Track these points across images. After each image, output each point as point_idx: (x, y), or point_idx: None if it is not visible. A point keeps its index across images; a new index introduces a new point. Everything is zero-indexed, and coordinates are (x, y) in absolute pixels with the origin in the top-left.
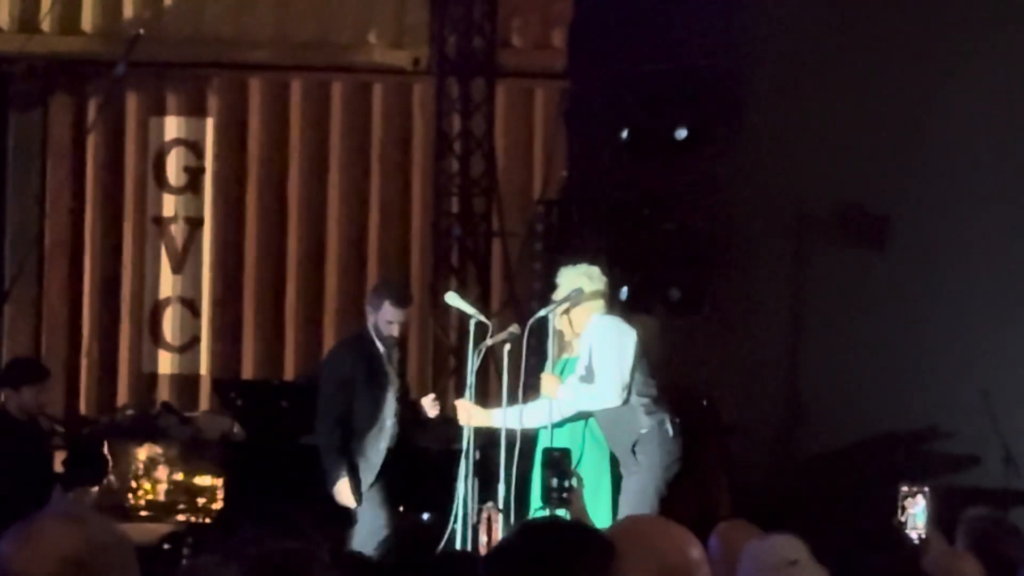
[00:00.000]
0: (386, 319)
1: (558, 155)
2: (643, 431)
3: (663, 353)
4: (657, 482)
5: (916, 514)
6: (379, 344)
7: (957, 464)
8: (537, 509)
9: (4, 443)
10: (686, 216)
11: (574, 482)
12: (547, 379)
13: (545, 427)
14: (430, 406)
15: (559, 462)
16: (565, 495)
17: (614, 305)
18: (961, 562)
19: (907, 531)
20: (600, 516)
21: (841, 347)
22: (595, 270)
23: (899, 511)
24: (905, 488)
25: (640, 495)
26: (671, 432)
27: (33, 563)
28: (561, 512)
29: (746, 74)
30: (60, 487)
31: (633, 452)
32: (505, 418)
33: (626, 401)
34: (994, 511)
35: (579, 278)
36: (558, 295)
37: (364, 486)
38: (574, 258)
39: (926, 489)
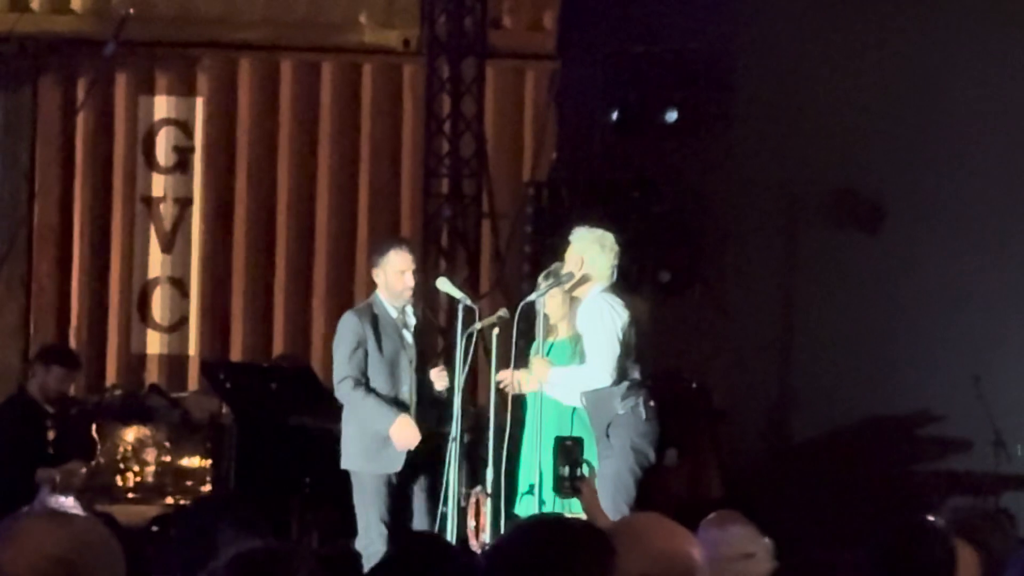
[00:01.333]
0: (397, 270)
1: (548, 137)
2: (617, 414)
3: (653, 335)
4: (631, 465)
5: None
6: (390, 309)
7: (948, 448)
8: (524, 493)
9: (21, 426)
10: (677, 198)
11: (585, 471)
12: (538, 362)
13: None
14: (437, 377)
15: (571, 451)
16: (577, 484)
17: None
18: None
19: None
20: None
21: (832, 331)
22: (609, 238)
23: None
24: None
25: (615, 480)
26: (644, 415)
27: (18, 562)
28: (572, 501)
29: (737, 56)
30: (45, 482)
31: (607, 435)
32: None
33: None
34: (977, 500)
35: (591, 245)
36: (568, 256)
37: (380, 472)
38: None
39: None
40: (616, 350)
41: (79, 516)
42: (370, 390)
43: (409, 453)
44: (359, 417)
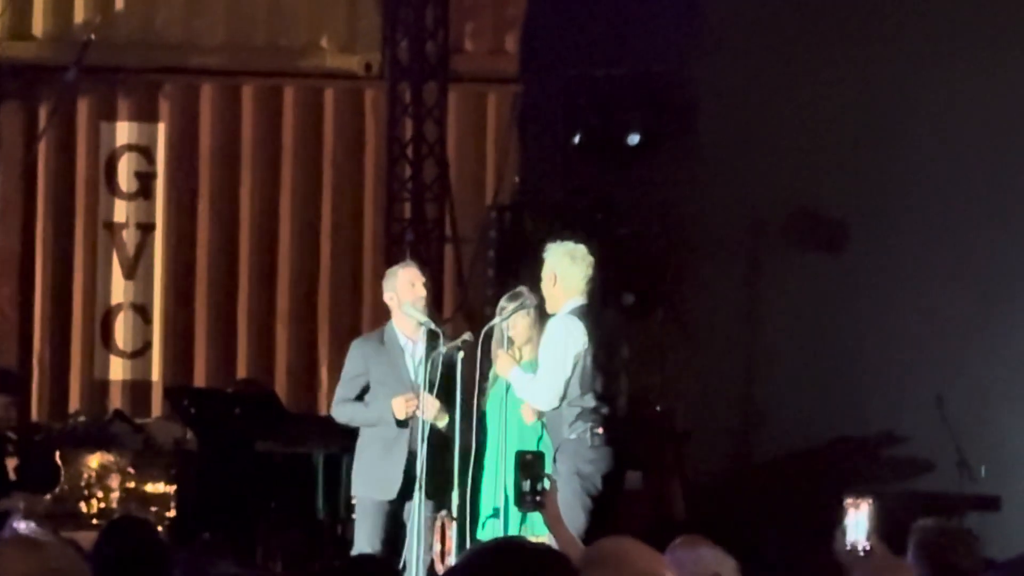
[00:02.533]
0: (407, 282)
1: (511, 160)
2: (566, 439)
3: (618, 357)
4: (576, 490)
5: (860, 525)
6: (401, 337)
7: (912, 468)
8: (488, 517)
9: None
10: (640, 221)
11: (547, 485)
12: (503, 357)
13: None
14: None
15: (532, 465)
16: (539, 498)
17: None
18: (899, 572)
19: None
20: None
21: (796, 352)
22: (581, 250)
23: (842, 524)
24: (849, 500)
25: (560, 503)
26: (590, 442)
27: None
28: (535, 515)
29: (699, 78)
30: (14, 507)
31: (554, 461)
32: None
33: (558, 409)
34: (945, 520)
35: (562, 258)
36: (543, 273)
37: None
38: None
39: (869, 500)
40: (564, 376)
41: (50, 542)
42: (356, 402)
43: (406, 480)
44: (367, 436)
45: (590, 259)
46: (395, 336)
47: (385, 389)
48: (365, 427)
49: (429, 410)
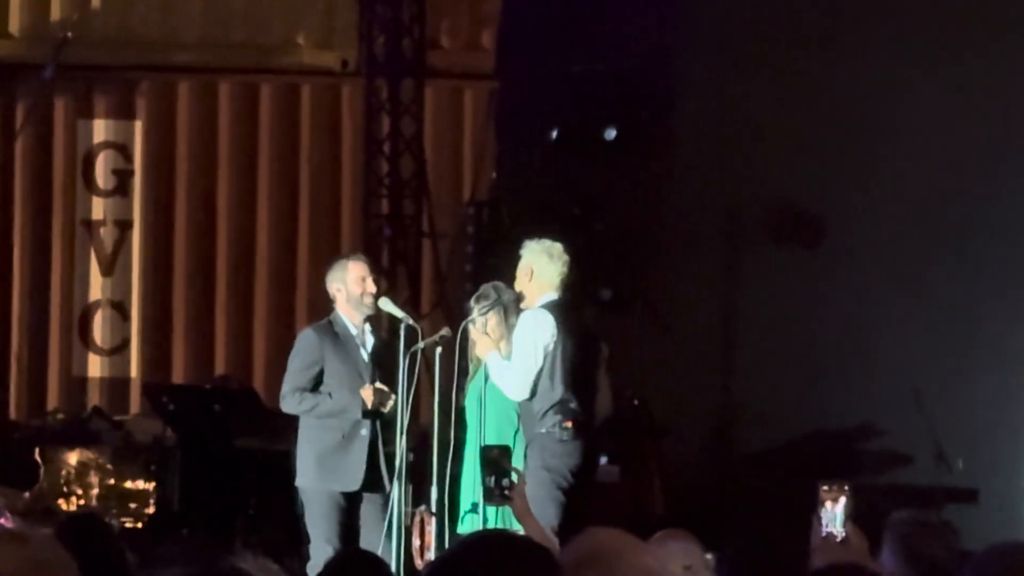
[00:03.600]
0: (357, 277)
1: (488, 156)
2: (536, 433)
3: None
4: (547, 486)
5: (837, 514)
6: (350, 326)
7: (890, 462)
8: (467, 512)
9: None
10: (617, 216)
11: (514, 478)
12: (482, 339)
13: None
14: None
15: (498, 460)
16: (506, 492)
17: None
18: (853, 555)
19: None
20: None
21: (774, 346)
22: (558, 247)
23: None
24: (826, 488)
25: (530, 498)
26: (559, 437)
27: None
28: (502, 509)
29: (677, 74)
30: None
31: (525, 455)
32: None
33: (529, 402)
34: (920, 511)
35: (540, 255)
36: (518, 270)
37: (333, 489)
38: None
39: (847, 487)
40: (534, 367)
41: (36, 535)
42: (317, 394)
43: (370, 473)
44: (318, 427)
45: (566, 257)
46: (346, 326)
47: (338, 379)
48: (319, 418)
49: (388, 401)
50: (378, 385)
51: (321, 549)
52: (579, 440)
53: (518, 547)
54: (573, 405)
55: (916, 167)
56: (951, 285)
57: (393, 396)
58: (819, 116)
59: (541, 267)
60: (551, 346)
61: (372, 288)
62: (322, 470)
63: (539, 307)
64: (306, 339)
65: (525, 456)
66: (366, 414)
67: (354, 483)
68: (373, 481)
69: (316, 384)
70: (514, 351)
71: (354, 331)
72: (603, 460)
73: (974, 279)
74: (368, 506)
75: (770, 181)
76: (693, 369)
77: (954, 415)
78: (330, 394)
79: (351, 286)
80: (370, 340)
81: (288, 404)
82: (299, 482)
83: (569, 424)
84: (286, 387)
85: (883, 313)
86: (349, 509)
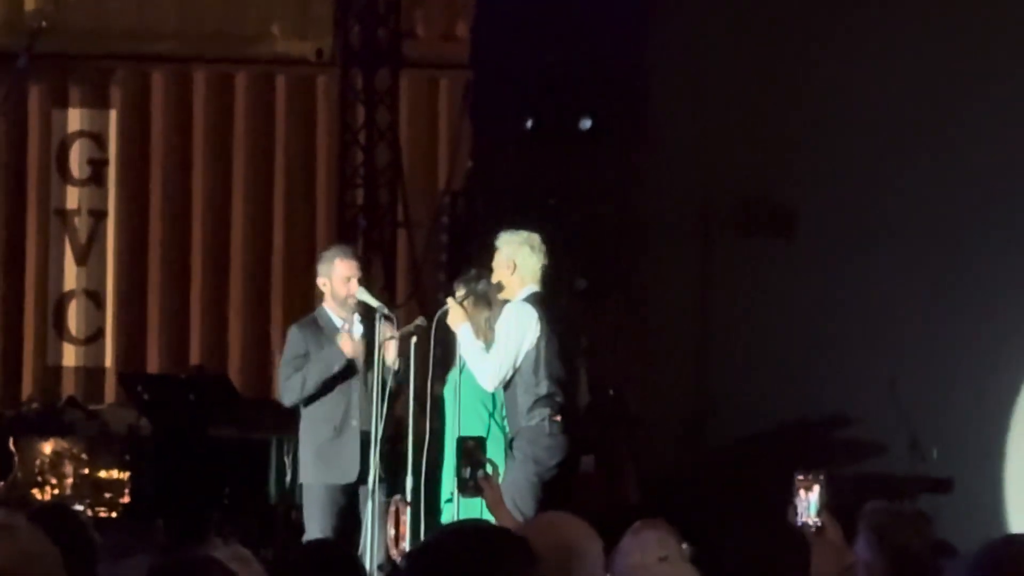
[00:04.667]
0: (342, 276)
1: (463, 146)
2: (522, 426)
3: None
4: (530, 477)
5: (811, 503)
6: (335, 319)
7: (865, 451)
8: (447, 501)
9: None
10: (592, 206)
11: (488, 470)
12: (455, 308)
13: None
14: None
15: (473, 451)
16: (480, 483)
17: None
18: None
19: (801, 519)
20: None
21: (748, 336)
22: (536, 238)
23: (794, 501)
24: (800, 477)
25: (513, 489)
26: (547, 430)
27: None
28: (476, 500)
29: (651, 64)
30: None
31: (511, 447)
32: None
33: (514, 395)
34: (896, 502)
35: (520, 247)
36: (497, 262)
37: (331, 483)
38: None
39: (821, 476)
40: (510, 360)
41: (23, 526)
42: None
43: (362, 465)
44: (314, 421)
45: (545, 248)
46: (329, 319)
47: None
48: (311, 408)
49: (389, 354)
50: (354, 331)
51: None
52: (565, 434)
53: (496, 538)
54: (559, 399)
55: (888, 159)
56: (925, 275)
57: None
58: (793, 108)
59: (523, 259)
60: (536, 340)
61: (355, 289)
62: (319, 465)
63: (522, 300)
64: (291, 335)
65: (511, 447)
66: (350, 366)
67: (350, 475)
68: (366, 472)
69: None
70: (496, 342)
71: (339, 323)
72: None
73: (947, 268)
74: (367, 498)
75: (745, 172)
76: (668, 359)
77: (929, 404)
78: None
79: (336, 284)
80: (358, 329)
81: (287, 392)
82: (301, 478)
83: (558, 418)
84: (281, 380)
85: (857, 303)
86: (348, 503)
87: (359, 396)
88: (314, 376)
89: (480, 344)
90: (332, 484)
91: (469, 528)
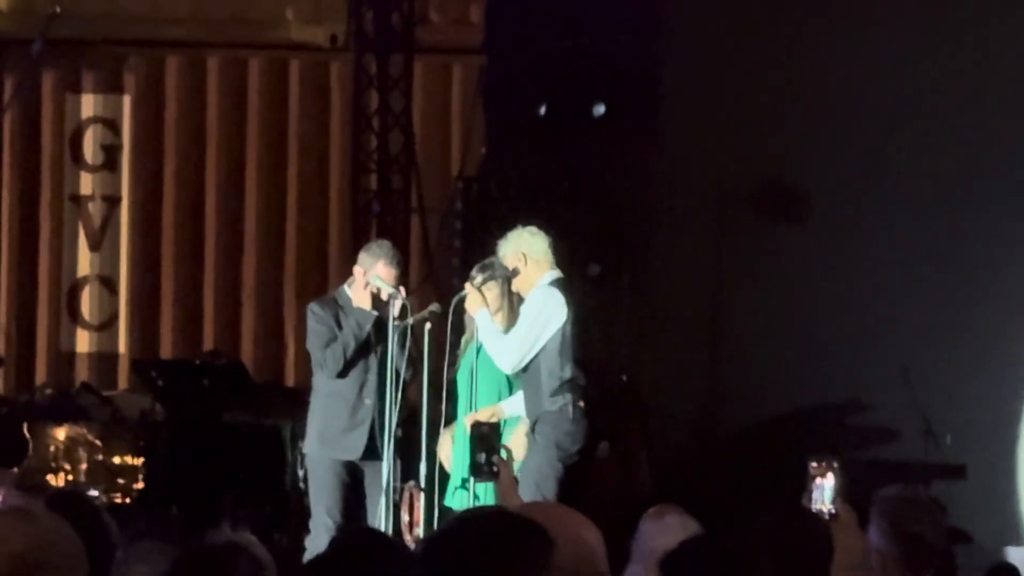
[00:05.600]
0: (388, 281)
1: (476, 131)
2: (545, 410)
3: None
4: (552, 463)
5: (826, 490)
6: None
7: (878, 438)
8: (457, 487)
9: None
10: (605, 191)
11: (503, 455)
12: (473, 293)
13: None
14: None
15: (487, 437)
16: (494, 468)
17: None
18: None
19: (816, 506)
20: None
21: (761, 322)
22: (530, 226)
23: (808, 487)
24: (815, 464)
25: (536, 474)
26: (571, 415)
27: None
28: (489, 486)
29: (664, 49)
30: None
31: (533, 431)
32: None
33: (536, 379)
34: (907, 488)
35: (522, 237)
36: (507, 258)
37: (336, 458)
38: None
39: (835, 464)
40: (530, 343)
41: (43, 513)
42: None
43: (369, 441)
44: (330, 395)
45: (541, 231)
46: (349, 300)
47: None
48: (331, 381)
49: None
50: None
51: (321, 521)
52: (587, 419)
53: (514, 524)
54: (583, 383)
55: (905, 144)
56: (940, 260)
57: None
58: (808, 91)
59: (528, 246)
60: (563, 324)
61: (383, 297)
62: (326, 438)
63: (548, 285)
64: (313, 311)
65: (532, 431)
66: (379, 322)
67: (356, 452)
68: (372, 449)
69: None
70: (519, 323)
71: (356, 302)
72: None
73: (964, 254)
74: (373, 476)
75: (758, 156)
76: (681, 345)
77: (943, 390)
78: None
79: (367, 280)
80: (372, 312)
81: (330, 361)
82: (305, 448)
83: (581, 403)
84: (315, 353)
85: (871, 289)
86: (352, 482)
87: (375, 376)
88: (350, 339)
89: (498, 328)
90: (336, 459)
91: (487, 515)
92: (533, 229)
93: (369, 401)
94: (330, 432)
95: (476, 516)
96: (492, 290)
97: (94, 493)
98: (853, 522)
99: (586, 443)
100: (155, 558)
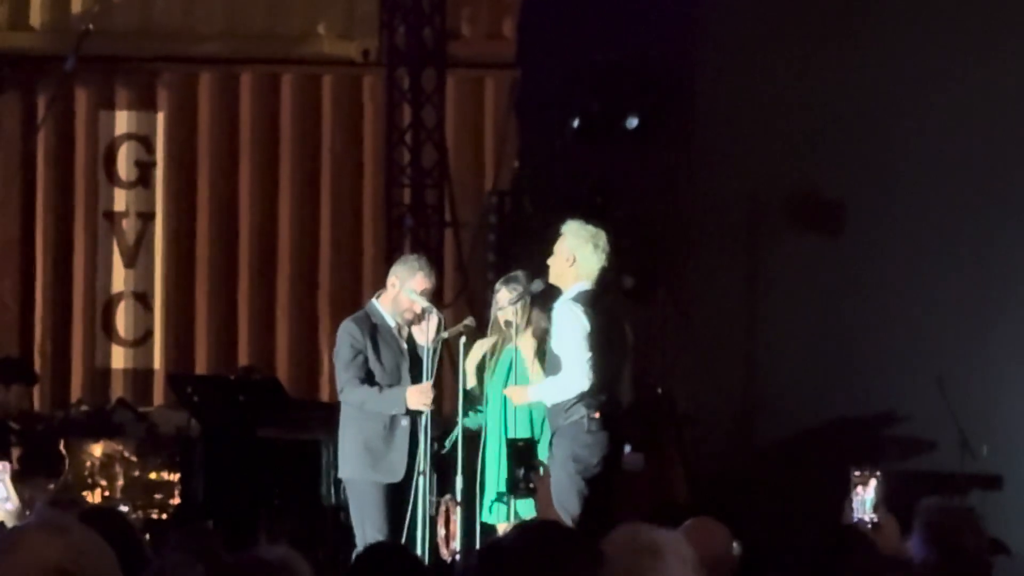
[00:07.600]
0: (416, 289)
1: (509, 145)
2: (561, 425)
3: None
4: (572, 476)
5: (867, 499)
6: (387, 317)
7: (913, 448)
8: (493, 501)
9: None
10: (639, 204)
11: (540, 471)
12: (513, 391)
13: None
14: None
15: (524, 452)
16: (532, 484)
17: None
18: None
19: (858, 515)
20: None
21: (797, 334)
22: (603, 237)
23: (850, 497)
24: (857, 473)
25: (556, 486)
26: (587, 427)
27: (16, 572)
28: (527, 501)
29: (697, 61)
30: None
31: (551, 446)
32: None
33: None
34: (950, 499)
35: (585, 243)
36: (558, 247)
37: (379, 481)
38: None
39: (878, 473)
40: (587, 354)
41: (76, 526)
42: (373, 383)
43: (409, 462)
44: (362, 418)
45: (609, 249)
46: (383, 316)
47: (379, 369)
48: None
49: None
50: (424, 385)
51: (371, 540)
52: (606, 431)
53: (568, 538)
54: (601, 396)
55: (939, 154)
56: (974, 271)
57: (434, 392)
58: (841, 103)
59: (585, 256)
60: (588, 335)
61: (417, 311)
62: (367, 462)
63: (570, 300)
64: (347, 330)
65: (551, 445)
66: (407, 412)
67: (398, 474)
68: (412, 468)
69: (369, 376)
70: (563, 352)
71: (391, 322)
72: (627, 449)
73: (999, 266)
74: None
75: (792, 168)
76: (716, 357)
77: (978, 402)
78: (380, 388)
79: (401, 296)
80: (405, 330)
81: (349, 395)
82: (343, 474)
83: (597, 415)
84: (344, 377)
85: (906, 300)
86: (395, 499)
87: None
88: (372, 406)
89: (539, 370)
90: (379, 482)
91: (542, 528)
92: (601, 242)
93: (405, 422)
94: (371, 456)
95: (531, 529)
96: (520, 310)
97: (125, 508)
98: (895, 531)
99: (607, 455)
100: (187, 572)
